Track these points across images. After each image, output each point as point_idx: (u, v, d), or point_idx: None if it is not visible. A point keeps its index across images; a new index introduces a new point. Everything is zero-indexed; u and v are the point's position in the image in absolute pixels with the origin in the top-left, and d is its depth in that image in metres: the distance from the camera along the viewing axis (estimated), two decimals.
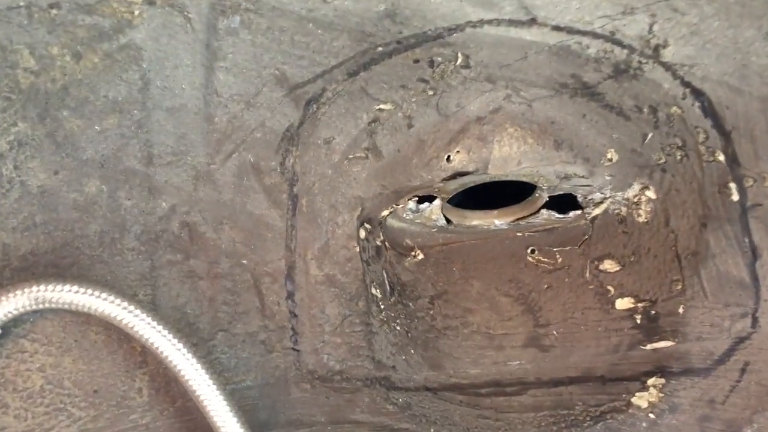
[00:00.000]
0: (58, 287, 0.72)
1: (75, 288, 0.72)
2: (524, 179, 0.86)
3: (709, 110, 0.76)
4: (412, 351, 0.88)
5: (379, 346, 0.85)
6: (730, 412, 0.79)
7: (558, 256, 0.89)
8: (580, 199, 0.86)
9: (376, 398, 0.84)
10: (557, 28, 0.75)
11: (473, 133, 0.81)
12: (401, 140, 0.82)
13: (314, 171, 0.81)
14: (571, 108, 0.79)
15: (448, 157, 0.83)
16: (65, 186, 0.77)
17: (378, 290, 0.87)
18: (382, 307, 0.87)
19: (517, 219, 0.91)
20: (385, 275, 0.88)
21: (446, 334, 0.89)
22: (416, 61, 0.77)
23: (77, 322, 0.78)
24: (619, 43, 0.75)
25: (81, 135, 0.76)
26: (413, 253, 0.91)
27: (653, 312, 0.83)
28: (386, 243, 0.89)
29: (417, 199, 0.89)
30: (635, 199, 0.83)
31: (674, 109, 0.77)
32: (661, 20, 0.73)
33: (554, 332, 0.87)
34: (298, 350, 0.83)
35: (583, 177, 0.83)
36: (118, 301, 0.72)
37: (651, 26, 0.74)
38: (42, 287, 0.72)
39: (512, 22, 0.75)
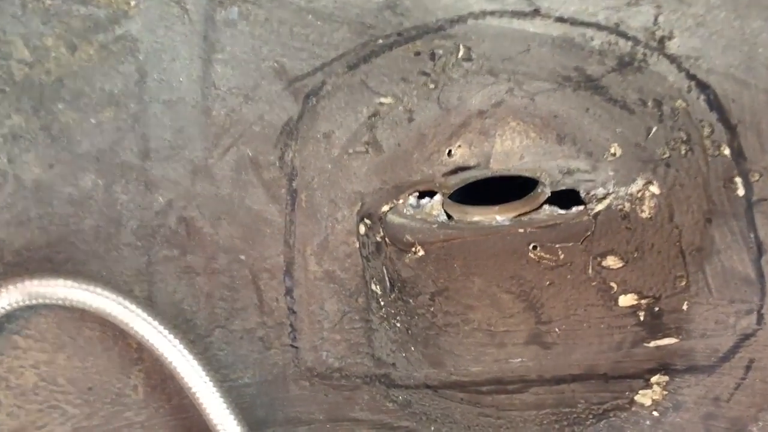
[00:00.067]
0: (53, 282, 0.71)
1: (70, 283, 0.71)
2: (526, 174, 0.85)
3: (715, 103, 0.75)
4: (413, 348, 0.87)
5: (378, 343, 0.84)
6: (735, 410, 0.79)
7: (560, 252, 0.88)
8: (582, 194, 0.85)
9: (376, 396, 0.83)
10: (561, 20, 0.74)
11: (475, 127, 0.81)
12: (402, 134, 0.81)
13: (313, 165, 0.80)
14: (574, 101, 0.79)
15: (450, 151, 0.82)
16: (60, 180, 0.76)
17: (378, 286, 0.86)
18: (382, 303, 0.86)
19: (519, 215, 0.90)
20: (385, 271, 0.88)
21: (447, 331, 0.89)
22: (417, 53, 0.77)
23: (72, 319, 0.77)
24: (623, 35, 0.74)
25: (76, 128, 0.75)
26: (414, 249, 0.90)
27: (657, 309, 0.83)
28: (386, 239, 0.88)
29: (418, 194, 0.88)
30: (639, 195, 0.83)
31: (679, 102, 0.76)
32: (667, 11, 0.73)
33: (556, 329, 0.87)
34: (296, 347, 0.82)
35: (586, 172, 0.83)
36: (113, 296, 0.72)
37: (656, 17, 0.73)
38: (36, 282, 0.71)
39: (515, 14, 0.74)
